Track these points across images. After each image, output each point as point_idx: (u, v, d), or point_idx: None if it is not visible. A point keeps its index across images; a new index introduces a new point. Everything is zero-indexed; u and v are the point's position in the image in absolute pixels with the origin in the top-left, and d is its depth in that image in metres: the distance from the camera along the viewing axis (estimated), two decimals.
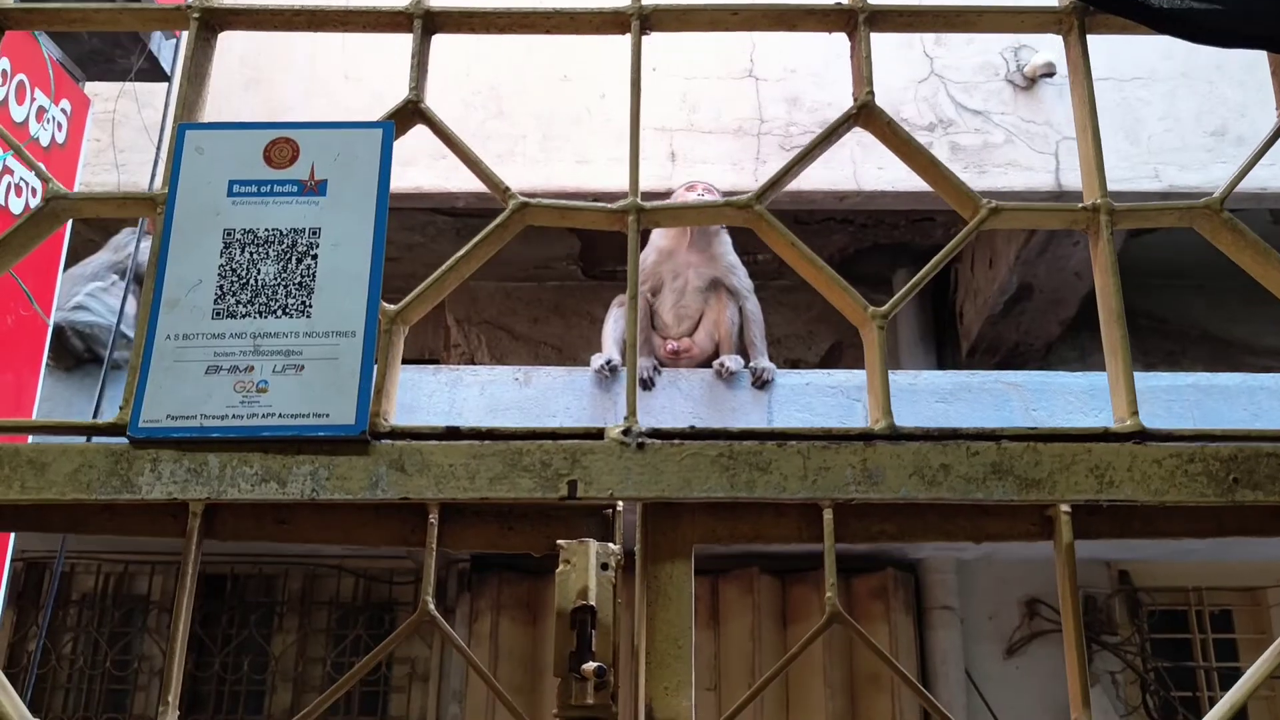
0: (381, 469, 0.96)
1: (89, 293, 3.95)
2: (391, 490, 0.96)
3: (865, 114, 1.08)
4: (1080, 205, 1.07)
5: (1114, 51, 4.53)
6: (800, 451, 0.97)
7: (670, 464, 0.97)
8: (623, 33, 1.13)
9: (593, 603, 1.05)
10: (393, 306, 1.04)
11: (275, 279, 1.02)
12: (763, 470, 0.96)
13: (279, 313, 1.00)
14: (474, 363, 5.66)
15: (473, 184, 4.69)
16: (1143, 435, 0.99)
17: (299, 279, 1.01)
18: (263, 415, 0.97)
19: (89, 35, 3.31)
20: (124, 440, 0.98)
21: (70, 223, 3.38)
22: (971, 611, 5.11)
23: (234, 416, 0.97)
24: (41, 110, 3.06)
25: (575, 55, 4.72)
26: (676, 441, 0.98)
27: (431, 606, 1.02)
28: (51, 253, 3.09)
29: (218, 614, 5.07)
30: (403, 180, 4.62)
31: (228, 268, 1.02)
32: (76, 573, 5.16)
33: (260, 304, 1.01)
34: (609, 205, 1.06)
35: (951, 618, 5.00)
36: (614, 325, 4.01)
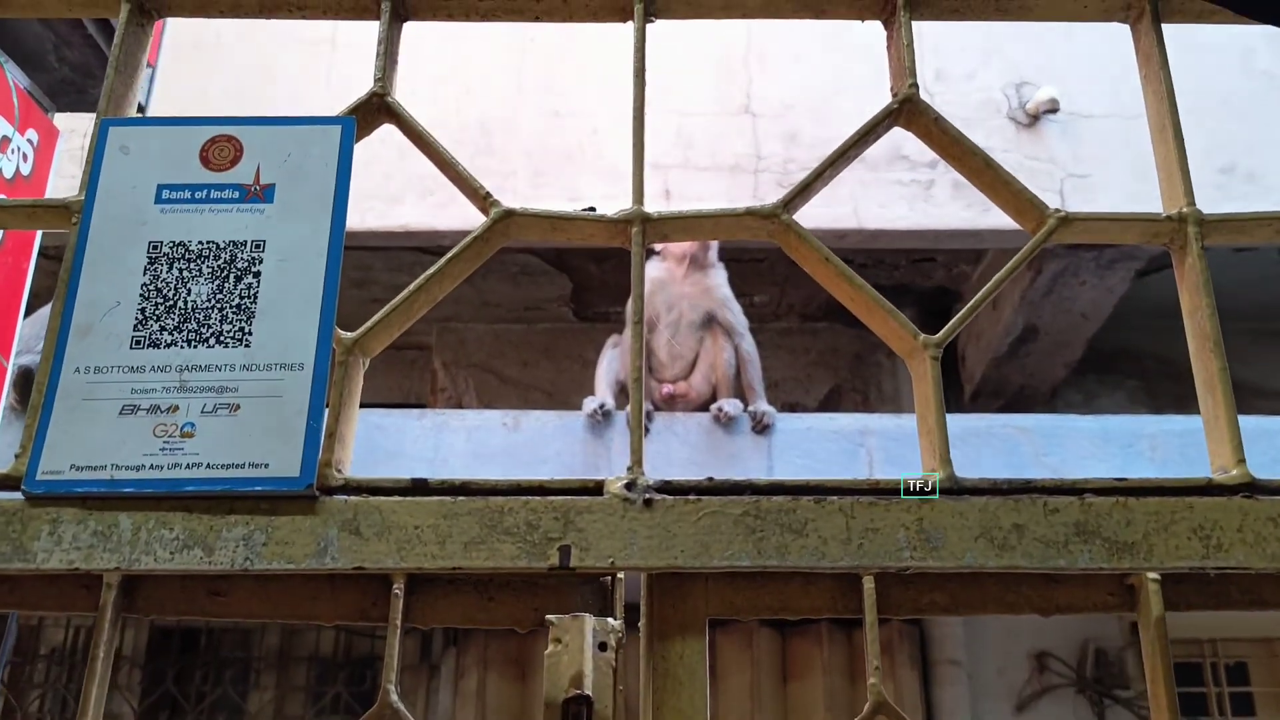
0: (331, 532, 0.79)
1: None
2: (343, 558, 0.78)
3: (908, 110, 0.92)
4: (1164, 215, 0.91)
5: (1116, 89, 4.44)
6: (843, 509, 0.79)
7: (684, 526, 0.79)
8: (624, 20, 0.97)
9: (588, 691, 0.87)
10: (350, 334, 0.86)
11: (209, 301, 0.84)
12: (797, 533, 0.78)
13: (211, 341, 0.83)
14: (461, 407, 5.47)
15: (462, 222, 4.54)
16: (1251, 488, 0.82)
17: (237, 301, 0.84)
18: (187, 466, 0.79)
19: (59, 63, 3.16)
20: (18, 496, 0.81)
21: (35, 261, 3.22)
22: (979, 666, 4.93)
23: (152, 467, 0.80)
24: (5, 140, 2.89)
25: (566, 90, 4.61)
26: (692, 498, 0.80)
27: (394, 697, 0.84)
28: (12, 293, 2.91)
29: (191, 670, 4.85)
30: (389, 219, 4.49)
31: (152, 287, 0.85)
32: (45, 626, 4.95)
33: (190, 331, 0.84)
34: (608, 215, 0.90)
35: (958, 673, 4.81)
36: (608, 366, 3.84)
